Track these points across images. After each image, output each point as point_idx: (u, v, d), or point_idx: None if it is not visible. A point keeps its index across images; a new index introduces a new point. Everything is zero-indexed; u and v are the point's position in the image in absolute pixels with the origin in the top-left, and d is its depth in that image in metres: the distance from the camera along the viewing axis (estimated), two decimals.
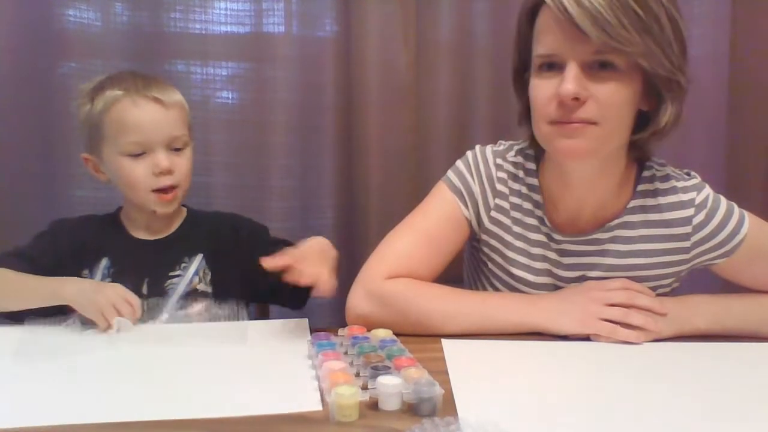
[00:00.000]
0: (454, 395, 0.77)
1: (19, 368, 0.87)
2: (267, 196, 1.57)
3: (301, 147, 1.57)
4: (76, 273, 1.12)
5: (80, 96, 1.15)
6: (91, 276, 1.13)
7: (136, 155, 1.11)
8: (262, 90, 1.54)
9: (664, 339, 0.96)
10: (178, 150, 1.14)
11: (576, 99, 0.89)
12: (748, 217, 1.02)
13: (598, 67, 0.89)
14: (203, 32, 1.51)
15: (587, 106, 0.90)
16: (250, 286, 1.18)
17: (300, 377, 0.83)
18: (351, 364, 0.81)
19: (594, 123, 0.90)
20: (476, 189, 1.06)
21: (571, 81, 0.88)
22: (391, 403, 0.72)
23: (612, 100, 0.90)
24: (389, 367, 0.78)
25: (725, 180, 1.61)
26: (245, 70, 1.55)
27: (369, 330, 0.94)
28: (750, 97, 1.61)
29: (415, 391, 0.72)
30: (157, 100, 1.11)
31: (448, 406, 0.74)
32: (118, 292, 1.02)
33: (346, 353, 0.87)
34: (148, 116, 1.10)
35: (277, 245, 1.01)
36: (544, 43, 0.92)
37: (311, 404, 0.75)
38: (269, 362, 0.89)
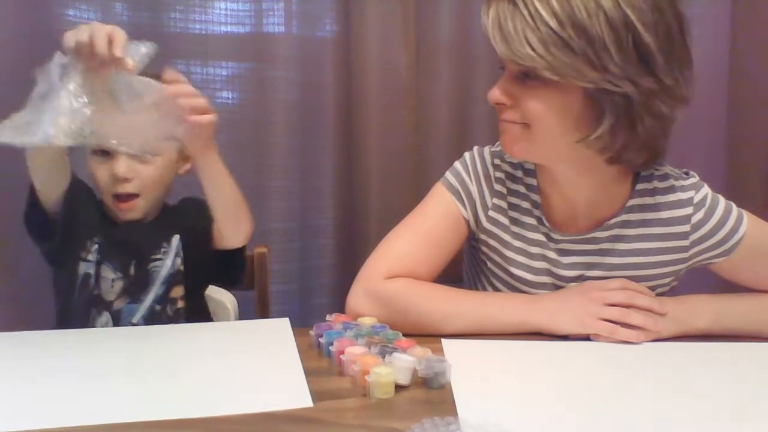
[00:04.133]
0: (454, 395, 0.77)
1: (14, 371, 0.86)
2: (267, 196, 1.57)
3: (301, 147, 1.58)
4: (79, 240, 1.15)
5: None
6: (86, 253, 1.15)
7: (102, 155, 1.13)
8: (262, 90, 1.54)
9: (664, 339, 0.96)
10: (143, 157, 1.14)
11: (502, 103, 0.94)
12: (747, 217, 1.02)
13: (524, 76, 0.92)
14: (203, 32, 1.52)
15: (512, 111, 0.95)
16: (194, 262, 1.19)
17: (292, 374, 0.83)
18: (368, 348, 0.84)
19: (522, 123, 0.94)
20: (473, 188, 1.07)
21: (495, 88, 0.95)
22: (404, 378, 0.78)
23: (535, 108, 0.92)
24: (396, 348, 0.83)
25: (725, 180, 1.61)
26: (245, 70, 1.56)
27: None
28: (750, 97, 1.61)
29: (427, 366, 0.79)
30: None
31: (448, 406, 0.74)
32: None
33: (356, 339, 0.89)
34: None
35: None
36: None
37: (303, 401, 0.75)
38: (260, 361, 0.89)
